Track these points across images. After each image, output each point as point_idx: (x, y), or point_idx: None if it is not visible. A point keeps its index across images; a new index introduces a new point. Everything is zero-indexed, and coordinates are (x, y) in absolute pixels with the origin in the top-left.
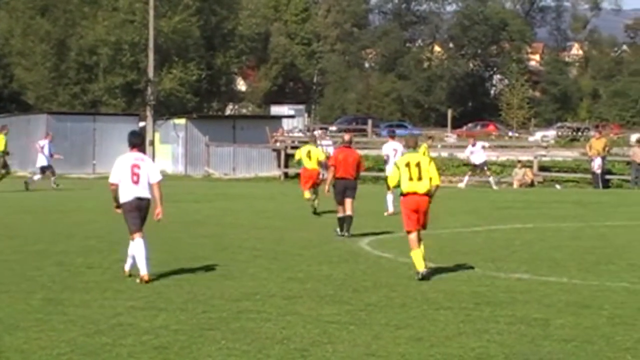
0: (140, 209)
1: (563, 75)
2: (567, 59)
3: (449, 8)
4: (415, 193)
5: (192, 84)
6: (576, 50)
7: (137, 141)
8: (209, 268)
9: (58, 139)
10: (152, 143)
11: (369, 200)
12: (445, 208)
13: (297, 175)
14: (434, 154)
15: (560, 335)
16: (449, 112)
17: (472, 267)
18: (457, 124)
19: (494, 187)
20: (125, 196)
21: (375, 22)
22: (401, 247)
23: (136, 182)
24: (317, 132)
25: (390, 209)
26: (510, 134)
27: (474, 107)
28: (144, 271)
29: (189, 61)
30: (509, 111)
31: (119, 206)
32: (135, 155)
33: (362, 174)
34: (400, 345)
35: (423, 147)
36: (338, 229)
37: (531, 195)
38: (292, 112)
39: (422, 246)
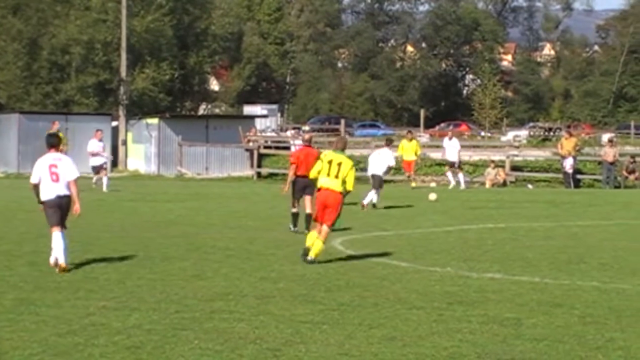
0: (60, 206)
1: (535, 76)
2: (539, 59)
3: (421, 8)
4: (327, 189)
5: (164, 83)
6: (548, 51)
7: (54, 142)
8: (181, 268)
9: (30, 138)
10: (124, 143)
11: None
12: (417, 208)
13: (270, 175)
14: None
15: (532, 334)
16: (422, 112)
17: (444, 267)
18: (429, 124)
19: (462, 186)
20: (46, 194)
21: (348, 22)
22: (374, 247)
23: (56, 181)
24: (289, 132)
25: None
26: (482, 133)
27: (446, 107)
28: (62, 260)
29: (162, 61)
30: (481, 111)
31: (41, 203)
32: (53, 155)
33: None
34: (373, 345)
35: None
36: (291, 225)
37: (503, 195)
38: (265, 112)
39: (316, 245)
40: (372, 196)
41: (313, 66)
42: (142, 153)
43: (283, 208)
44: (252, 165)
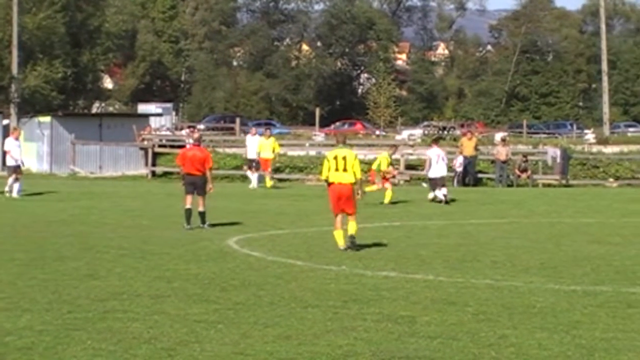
0: None
1: (429, 75)
2: (433, 59)
3: (316, 7)
4: (339, 183)
5: (57, 81)
6: (442, 50)
7: None
8: (75, 268)
9: None
10: None
11: (236, 199)
12: (311, 207)
13: (165, 174)
14: (301, 152)
15: (426, 332)
16: (317, 111)
17: (339, 266)
18: (324, 123)
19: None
20: None
21: (243, 21)
22: (269, 246)
23: None
24: (184, 131)
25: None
26: (377, 132)
27: (341, 106)
28: None
29: (54, 58)
30: (376, 110)
31: None
32: None
33: (231, 172)
34: (269, 344)
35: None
36: (185, 223)
37: (398, 194)
38: (159, 111)
39: (351, 226)
40: (440, 192)
41: (208, 64)
42: (34, 151)
43: (178, 207)
44: (146, 164)
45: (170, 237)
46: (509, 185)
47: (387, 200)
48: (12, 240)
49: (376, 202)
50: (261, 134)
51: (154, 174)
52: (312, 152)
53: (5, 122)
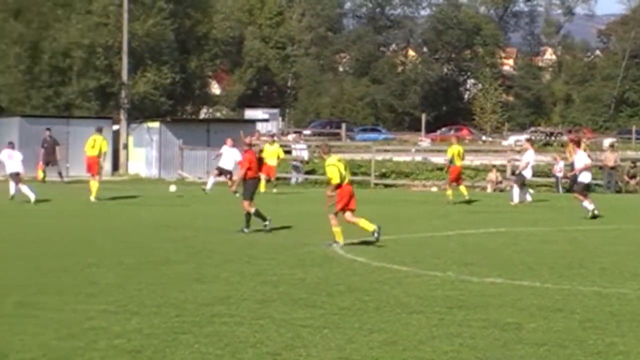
0: None
1: (536, 80)
2: (540, 64)
3: (423, 12)
4: (347, 183)
5: (165, 87)
6: (549, 55)
7: None
8: (181, 272)
9: (32, 142)
10: (125, 146)
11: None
12: (417, 212)
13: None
14: (407, 158)
15: (533, 339)
16: (423, 117)
17: (445, 271)
18: (430, 129)
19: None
20: None
21: (349, 26)
22: (374, 251)
23: None
24: (290, 136)
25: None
26: (483, 138)
27: (447, 112)
28: None
29: (163, 64)
30: (482, 115)
31: None
32: None
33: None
34: (374, 349)
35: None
36: (245, 228)
37: (504, 200)
38: (266, 116)
39: (363, 222)
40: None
41: (314, 70)
42: (143, 157)
43: (284, 212)
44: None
45: (276, 242)
46: (617, 192)
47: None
48: (122, 244)
49: (481, 207)
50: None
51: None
52: (418, 158)
53: (115, 127)
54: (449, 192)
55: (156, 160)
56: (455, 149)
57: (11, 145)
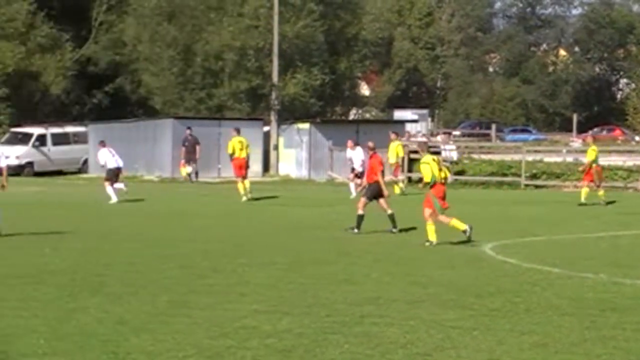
0: None
1: None
2: None
3: (574, 11)
4: (441, 183)
5: (315, 88)
6: None
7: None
8: (331, 272)
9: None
10: (276, 147)
11: (492, 205)
12: (568, 214)
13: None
14: (558, 159)
15: None
16: (574, 117)
17: (597, 273)
18: (582, 129)
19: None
20: None
21: (499, 26)
22: (525, 253)
23: None
24: (439, 137)
25: None
26: (637, 138)
27: (599, 112)
28: None
29: (313, 66)
30: (635, 116)
31: None
32: None
33: (487, 178)
34: (525, 351)
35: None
36: (356, 229)
37: None
38: (415, 117)
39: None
40: None
41: (464, 71)
42: (293, 158)
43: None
44: (402, 170)
45: (424, 242)
46: None
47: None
48: (272, 244)
49: (634, 209)
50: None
51: (409, 180)
52: (569, 159)
53: (265, 129)
54: (601, 192)
55: (306, 161)
56: (595, 149)
57: (103, 143)
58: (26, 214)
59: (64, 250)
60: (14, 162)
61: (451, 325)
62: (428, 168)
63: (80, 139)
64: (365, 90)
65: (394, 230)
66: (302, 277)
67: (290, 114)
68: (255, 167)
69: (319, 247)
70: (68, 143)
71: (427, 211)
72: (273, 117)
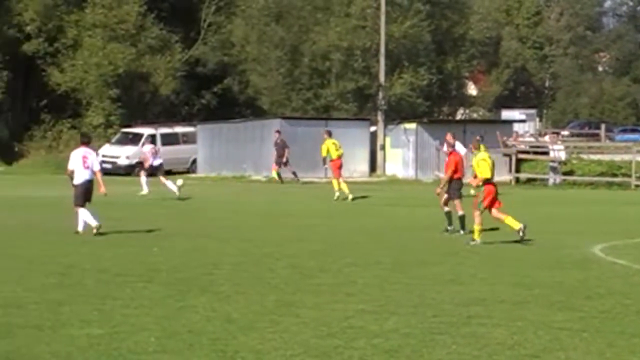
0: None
1: None
2: None
3: None
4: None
5: (422, 88)
6: None
7: (85, 140)
8: (438, 273)
9: (290, 143)
10: (383, 148)
11: (601, 206)
12: None
13: (529, 180)
14: None
15: None
16: None
17: None
18: None
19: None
20: (78, 179)
21: (609, 25)
22: (635, 254)
23: (87, 168)
24: (547, 137)
25: None
26: None
27: None
28: (94, 223)
29: (420, 66)
30: None
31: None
32: (85, 149)
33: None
34: (636, 354)
35: None
36: (461, 230)
37: None
38: (523, 117)
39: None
40: None
41: (573, 70)
42: (399, 158)
43: (539, 214)
44: (510, 170)
45: (533, 242)
46: None
47: None
48: (379, 244)
49: None
50: None
51: (517, 180)
52: None
53: (372, 129)
54: None
55: (413, 162)
56: None
57: (150, 140)
58: (135, 213)
59: (172, 249)
60: (125, 162)
61: (559, 327)
62: (486, 165)
63: (189, 139)
64: (472, 90)
65: (462, 232)
66: (407, 277)
67: (397, 114)
68: (362, 167)
69: (424, 247)
70: (177, 143)
71: (494, 211)
72: (380, 117)
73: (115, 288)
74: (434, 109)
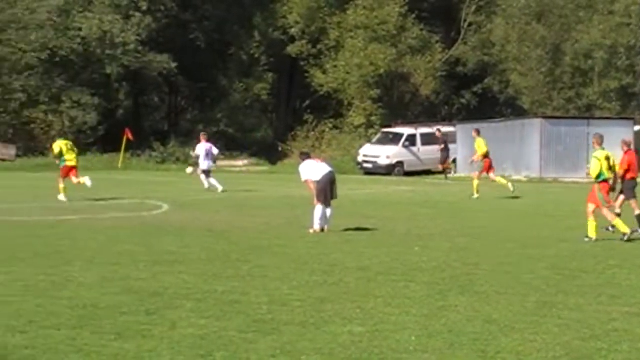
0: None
1: None
2: None
3: None
4: (608, 181)
5: None
6: None
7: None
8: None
9: (552, 143)
10: None
11: None
12: None
13: None
14: None
15: None
16: None
17: None
18: None
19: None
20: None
21: None
22: None
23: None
24: None
25: None
26: None
27: None
28: (317, 226)
29: None
30: None
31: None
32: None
33: None
34: None
35: None
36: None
37: None
38: None
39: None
40: None
41: None
42: None
43: None
44: None
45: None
46: None
47: None
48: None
49: None
50: None
51: None
52: None
53: (636, 128)
54: None
55: None
56: None
57: (205, 137)
58: (396, 213)
59: (433, 249)
60: (385, 161)
61: None
62: (598, 163)
63: (448, 138)
64: None
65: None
66: None
67: None
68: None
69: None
70: (437, 143)
71: (591, 207)
72: None
73: (377, 286)
74: None
